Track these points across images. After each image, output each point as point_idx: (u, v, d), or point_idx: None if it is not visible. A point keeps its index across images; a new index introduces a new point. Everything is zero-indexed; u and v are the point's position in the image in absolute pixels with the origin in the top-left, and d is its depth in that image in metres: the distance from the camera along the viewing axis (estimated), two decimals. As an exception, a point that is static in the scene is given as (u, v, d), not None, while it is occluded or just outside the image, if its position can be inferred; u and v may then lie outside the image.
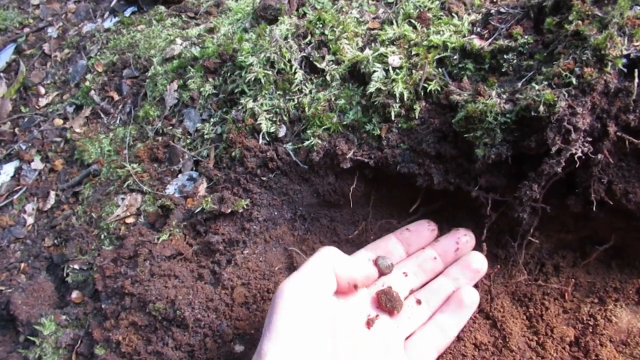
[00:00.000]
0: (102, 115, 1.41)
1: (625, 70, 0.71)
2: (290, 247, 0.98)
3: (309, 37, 1.02)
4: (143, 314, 0.96)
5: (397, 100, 0.89)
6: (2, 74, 1.67)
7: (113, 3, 1.72)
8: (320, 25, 1.02)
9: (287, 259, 0.98)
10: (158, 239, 1.04)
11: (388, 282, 0.83)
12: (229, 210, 0.98)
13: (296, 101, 1.00)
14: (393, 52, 0.93)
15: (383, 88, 0.90)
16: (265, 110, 1.02)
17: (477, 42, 0.87)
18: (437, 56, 0.90)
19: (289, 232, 1.01)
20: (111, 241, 1.14)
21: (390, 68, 0.91)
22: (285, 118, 1.01)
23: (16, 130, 1.54)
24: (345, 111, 0.95)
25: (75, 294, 1.11)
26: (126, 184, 1.19)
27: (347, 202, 0.97)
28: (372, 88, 0.91)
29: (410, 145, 0.88)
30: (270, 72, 1.02)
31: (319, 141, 0.94)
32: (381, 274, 0.82)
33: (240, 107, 1.06)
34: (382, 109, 0.91)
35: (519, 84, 0.78)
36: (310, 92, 1.00)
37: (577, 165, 0.72)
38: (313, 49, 1.01)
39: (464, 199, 0.87)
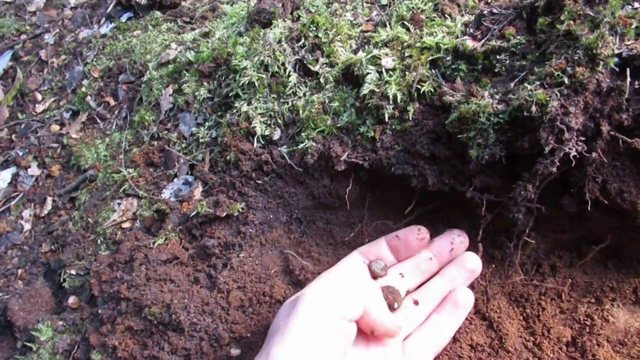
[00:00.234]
0: (99, 121, 1.41)
1: (617, 69, 0.71)
2: (286, 250, 0.98)
3: (303, 40, 1.02)
4: (139, 319, 0.96)
5: (391, 102, 0.89)
6: (-1, 81, 1.68)
7: (109, 9, 1.72)
8: (314, 28, 1.02)
9: (283, 262, 0.98)
10: (154, 243, 1.04)
11: (386, 283, 0.83)
12: (225, 214, 0.97)
13: (290, 104, 1.00)
14: (386, 54, 0.93)
15: (376, 90, 0.90)
16: (260, 114, 1.02)
17: (470, 43, 0.87)
18: (430, 57, 0.90)
19: (284, 235, 1.00)
20: (107, 246, 1.14)
21: (384, 70, 0.91)
22: (279, 121, 1.00)
23: (13, 136, 1.54)
24: (339, 113, 0.95)
25: (72, 300, 1.11)
26: (122, 188, 1.19)
27: (342, 205, 0.97)
28: (365, 90, 0.91)
29: (404, 147, 0.88)
30: (264, 76, 1.02)
31: (314, 144, 0.94)
32: (375, 277, 0.82)
33: (234, 111, 1.06)
34: (376, 111, 0.91)
35: (512, 85, 0.78)
36: (304, 94, 1.00)
37: (571, 165, 0.72)
38: (307, 52, 1.01)
39: (459, 199, 0.87)
